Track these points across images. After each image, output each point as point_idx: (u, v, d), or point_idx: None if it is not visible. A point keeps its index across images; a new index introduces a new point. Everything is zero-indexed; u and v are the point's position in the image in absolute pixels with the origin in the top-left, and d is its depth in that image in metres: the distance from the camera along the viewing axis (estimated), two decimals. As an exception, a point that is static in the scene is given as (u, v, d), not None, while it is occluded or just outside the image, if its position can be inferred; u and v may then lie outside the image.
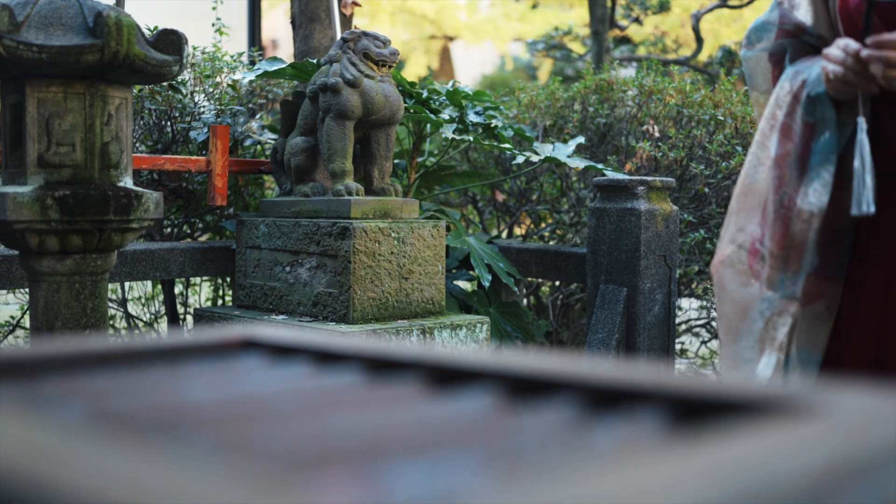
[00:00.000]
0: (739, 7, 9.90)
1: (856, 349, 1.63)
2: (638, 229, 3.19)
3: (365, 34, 3.11)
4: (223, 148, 3.44)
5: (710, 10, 9.68)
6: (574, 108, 4.39)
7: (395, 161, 3.99)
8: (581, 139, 3.81)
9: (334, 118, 3.06)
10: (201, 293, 4.59)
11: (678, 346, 4.60)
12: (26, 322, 3.93)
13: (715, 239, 3.75)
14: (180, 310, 4.17)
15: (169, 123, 3.84)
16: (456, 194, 4.61)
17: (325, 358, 0.76)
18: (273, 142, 3.78)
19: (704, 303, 4.23)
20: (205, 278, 4.36)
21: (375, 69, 3.09)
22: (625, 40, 11.55)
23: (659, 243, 3.26)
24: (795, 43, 1.67)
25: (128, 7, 3.91)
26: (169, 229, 3.95)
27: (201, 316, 3.34)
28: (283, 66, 3.48)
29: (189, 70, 3.89)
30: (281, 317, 3.10)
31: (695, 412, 0.55)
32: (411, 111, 3.51)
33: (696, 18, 9.29)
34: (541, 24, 13.33)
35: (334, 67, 3.08)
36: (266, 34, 15.40)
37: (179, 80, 3.77)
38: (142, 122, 3.81)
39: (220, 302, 4.27)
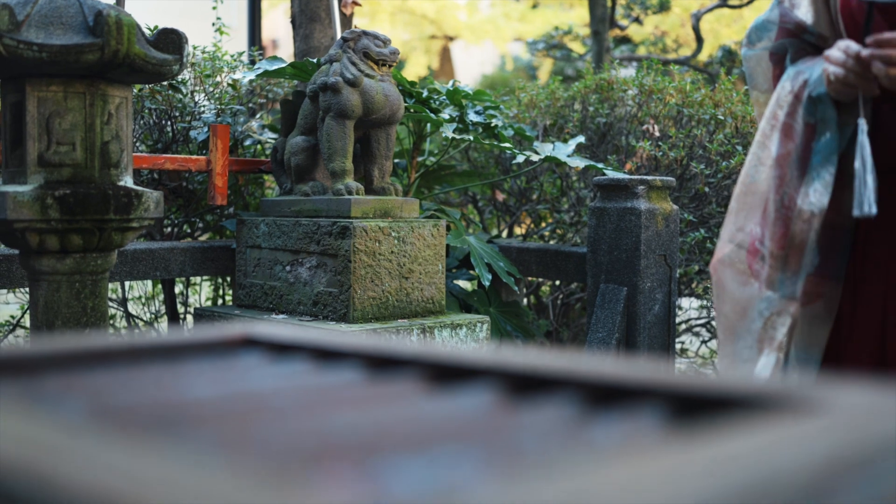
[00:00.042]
0: (739, 7, 9.90)
1: (856, 349, 1.63)
2: (638, 229, 3.19)
3: (365, 33, 3.11)
4: (223, 147, 3.44)
5: (711, 9, 9.68)
6: (574, 107, 4.39)
7: (396, 160, 3.99)
8: (581, 139, 3.81)
9: (334, 117, 3.06)
10: (201, 293, 4.59)
11: (678, 346, 4.60)
12: (26, 321, 3.93)
13: (715, 238, 3.75)
14: (180, 309, 4.17)
15: (169, 123, 3.84)
16: (456, 194, 4.61)
17: (325, 355, 0.76)
18: (273, 141, 3.78)
19: (705, 302, 4.23)
20: (205, 278, 4.36)
21: (375, 68, 3.09)
22: (625, 40, 11.55)
23: (659, 243, 3.26)
24: (796, 43, 1.67)
25: (128, 7, 3.91)
26: (169, 229, 3.95)
27: (201, 315, 3.34)
28: (284, 65, 3.49)
29: (189, 69, 3.89)
30: (281, 316, 3.10)
31: (695, 409, 0.55)
32: (411, 110, 3.51)
33: (697, 18, 9.29)
34: (541, 24, 13.33)
35: (334, 67, 3.08)
36: (266, 34, 15.40)
37: (180, 80, 3.77)
38: (142, 122, 3.81)
39: (220, 301, 4.27)
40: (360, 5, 4.31)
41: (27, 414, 0.49)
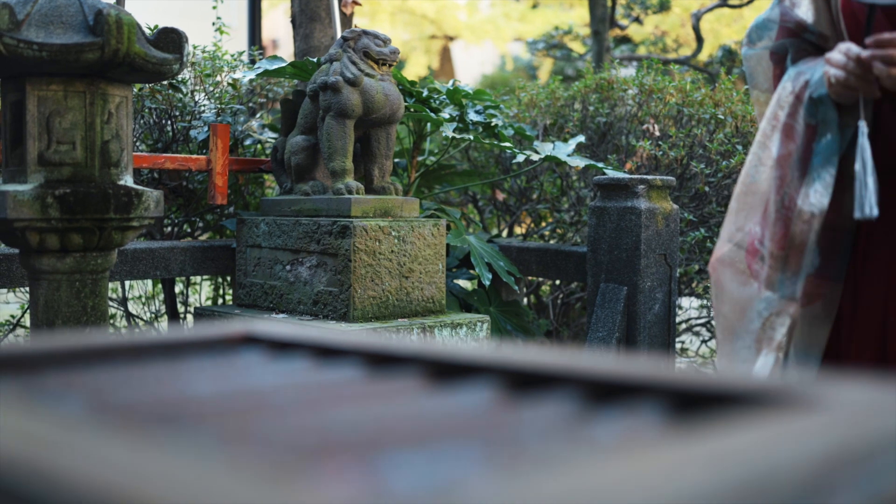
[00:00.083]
0: (739, 7, 9.90)
1: (856, 349, 1.63)
2: (638, 228, 3.19)
3: (365, 33, 3.11)
4: (223, 147, 3.44)
5: (711, 9, 9.68)
6: (574, 107, 4.39)
7: (396, 160, 3.99)
8: (581, 138, 3.81)
9: (334, 117, 3.06)
10: (202, 292, 4.59)
11: (678, 345, 4.60)
12: (27, 321, 3.94)
13: (715, 238, 3.75)
14: (180, 309, 4.17)
15: (169, 122, 3.84)
16: (456, 193, 4.61)
17: (325, 353, 0.76)
18: (273, 140, 3.78)
19: (705, 302, 4.23)
20: (205, 277, 4.36)
21: (376, 68, 3.09)
22: (625, 40, 11.54)
23: (659, 242, 3.26)
24: (797, 43, 1.67)
25: (128, 6, 3.91)
26: (169, 228, 3.95)
27: (202, 315, 3.34)
28: (284, 64, 3.49)
29: (189, 69, 3.89)
30: (281, 315, 3.10)
31: (695, 405, 0.55)
32: (411, 110, 3.51)
33: (697, 18, 9.29)
34: (541, 24, 13.33)
35: (334, 66, 3.08)
36: (266, 34, 15.40)
37: (180, 79, 3.77)
38: (142, 121, 3.81)
39: (220, 301, 4.27)
40: (360, 5, 4.31)
41: (28, 410, 0.49)
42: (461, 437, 0.49)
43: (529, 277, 4.23)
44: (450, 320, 3.07)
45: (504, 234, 4.60)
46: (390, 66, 3.14)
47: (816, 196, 1.55)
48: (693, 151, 3.89)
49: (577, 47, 11.44)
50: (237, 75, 3.97)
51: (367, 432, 0.50)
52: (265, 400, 0.59)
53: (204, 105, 3.92)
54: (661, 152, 3.84)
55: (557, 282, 4.34)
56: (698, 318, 4.35)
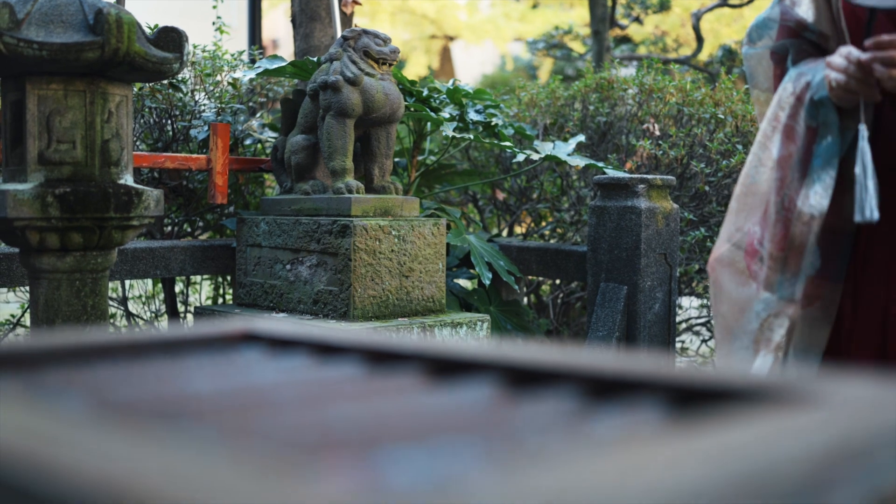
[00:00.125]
0: (740, 6, 9.90)
1: (857, 350, 1.62)
2: (638, 227, 3.19)
3: (365, 32, 3.11)
4: (223, 146, 3.44)
5: (711, 9, 9.68)
6: (574, 106, 4.39)
7: (396, 159, 3.99)
8: (581, 137, 3.81)
9: (335, 116, 3.06)
10: (202, 292, 4.59)
11: (678, 345, 4.60)
12: (27, 320, 3.94)
13: (715, 237, 3.75)
14: (181, 308, 4.17)
15: (169, 122, 3.84)
16: (456, 193, 4.61)
17: (325, 350, 0.76)
18: (273, 140, 3.78)
19: (705, 301, 4.23)
20: (205, 277, 4.36)
21: (376, 67, 3.09)
22: (625, 40, 11.54)
23: (659, 241, 3.26)
24: (798, 43, 1.66)
25: (128, 6, 3.91)
26: (169, 228, 3.95)
27: (202, 314, 3.34)
28: (284, 64, 3.49)
29: (189, 68, 3.90)
30: (281, 315, 3.10)
31: (694, 402, 0.55)
32: (412, 109, 3.51)
33: (697, 18, 9.29)
34: (541, 24, 13.33)
35: (335, 65, 3.08)
36: (266, 34, 15.40)
37: (180, 79, 3.77)
38: (142, 121, 3.81)
39: (220, 300, 4.27)
40: (360, 4, 4.31)
41: (28, 406, 0.49)
42: (461, 434, 0.49)
43: (529, 277, 4.23)
44: (450, 319, 3.07)
45: (504, 233, 4.60)
46: (390, 65, 3.14)
47: (816, 198, 1.55)
48: (693, 151, 3.89)
49: (578, 47, 11.44)
50: (237, 75, 3.97)
51: (366, 428, 0.50)
52: (265, 397, 0.59)
53: (204, 104, 3.92)
54: (661, 152, 3.84)
55: (558, 281, 4.34)
56: (698, 317, 4.35)
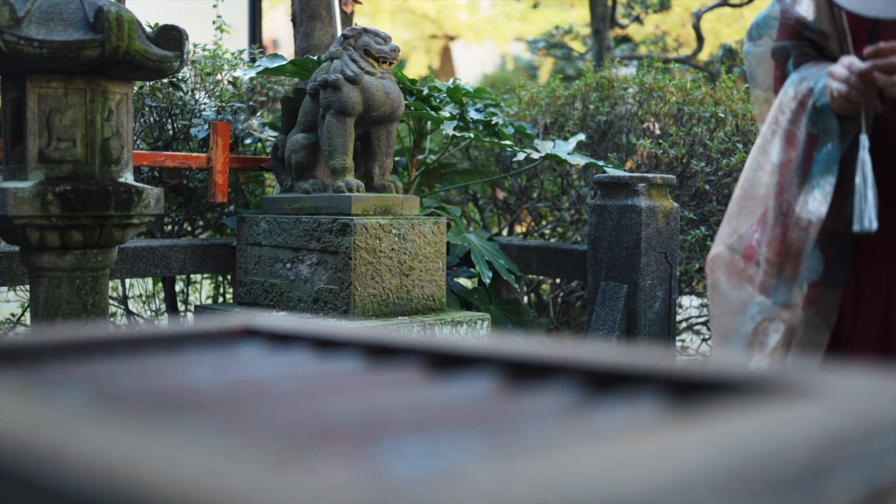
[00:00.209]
0: (740, 6, 9.90)
1: (858, 351, 1.62)
2: (639, 226, 3.20)
3: (366, 31, 3.11)
4: (224, 145, 3.44)
5: (711, 8, 9.69)
6: (575, 105, 4.39)
7: (396, 158, 3.99)
8: (582, 136, 3.81)
9: (335, 115, 3.06)
10: (202, 290, 4.59)
11: (679, 344, 4.60)
12: (27, 319, 3.94)
13: (715, 236, 3.75)
14: (181, 307, 4.18)
15: (170, 121, 3.84)
16: (456, 192, 4.61)
17: (325, 345, 0.76)
18: (273, 139, 3.78)
19: (705, 300, 4.23)
20: (205, 275, 4.37)
21: (376, 66, 3.09)
22: (625, 39, 11.55)
23: (660, 240, 3.26)
24: (799, 45, 1.66)
25: (129, 5, 3.91)
26: (170, 226, 3.95)
27: (202, 313, 3.34)
28: (284, 62, 3.49)
29: (190, 67, 3.90)
30: (282, 313, 3.10)
31: (694, 394, 0.55)
32: (412, 108, 3.51)
33: (697, 17, 9.29)
34: (541, 24, 13.33)
35: (335, 64, 3.09)
36: (267, 34, 15.40)
37: (180, 77, 3.77)
38: (143, 120, 3.81)
39: (220, 299, 4.27)
40: (360, 3, 4.31)
41: (29, 399, 0.49)
42: (461, 425, 0.49)
43: (530, 276, 4.23)
44: (450, 318, 3.07)
45: (504, 232, 4.60)
46: (391, 64, 3.14)
47: (815, 204, 1.55)
48: (693, 150, 3.89)
49: (578, 47, 11.45)
50: (238, 73, 3.97)
51: (367, 420, 0.50)
52: (265, 390, 0.59)
53: (204, 103, 3.92)
54: (661, 151, 3.84)
55: (558, 280, 4.34)
56: (699, 316, 4.35)
